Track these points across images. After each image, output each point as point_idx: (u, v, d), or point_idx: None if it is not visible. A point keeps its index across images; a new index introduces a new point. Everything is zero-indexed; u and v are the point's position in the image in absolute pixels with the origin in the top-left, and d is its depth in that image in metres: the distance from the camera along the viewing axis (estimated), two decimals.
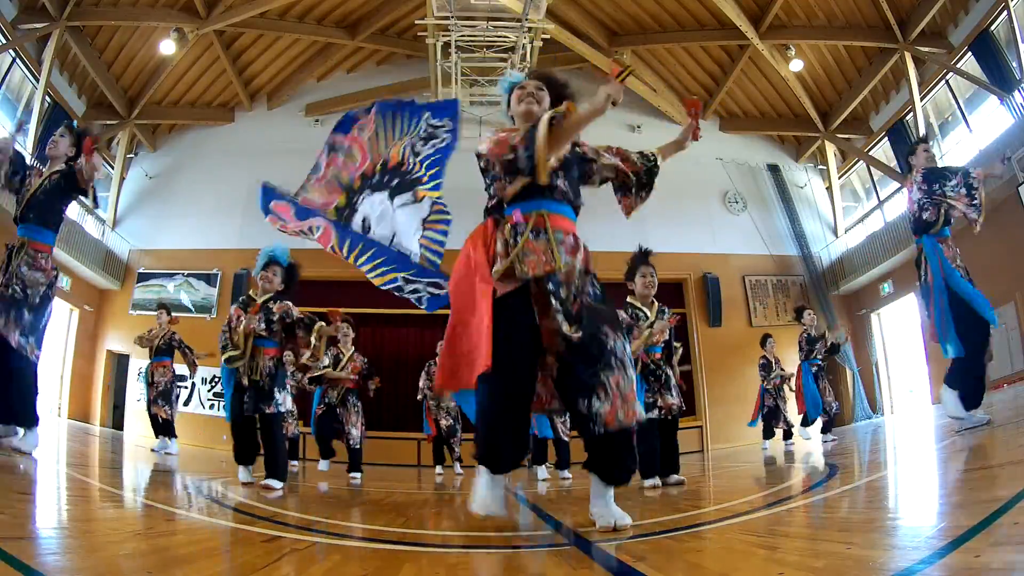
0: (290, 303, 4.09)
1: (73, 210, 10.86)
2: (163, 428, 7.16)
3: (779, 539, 1.68)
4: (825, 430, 7.39)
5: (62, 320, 10.59)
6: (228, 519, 2.42)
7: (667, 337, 3.99)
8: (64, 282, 10.20)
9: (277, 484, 3.68)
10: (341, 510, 3.03)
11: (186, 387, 10.56)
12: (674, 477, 3.82)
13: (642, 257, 3.88)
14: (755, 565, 1.38)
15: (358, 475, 5.91)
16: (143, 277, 11.32)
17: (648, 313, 3.91)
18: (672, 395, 3.91)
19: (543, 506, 3.18)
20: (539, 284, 1.96)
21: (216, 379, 10.64)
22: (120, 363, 11.26)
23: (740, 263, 12.02)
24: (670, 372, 3.99)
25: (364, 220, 3.89)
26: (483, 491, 1.96)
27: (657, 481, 3.69)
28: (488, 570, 1.48)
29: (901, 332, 11.28)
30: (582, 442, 1.98)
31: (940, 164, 4.30)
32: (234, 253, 11.17)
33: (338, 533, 2.13)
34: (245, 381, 3.89)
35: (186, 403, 10.37)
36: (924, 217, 4.00)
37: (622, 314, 3.84)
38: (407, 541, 1.97)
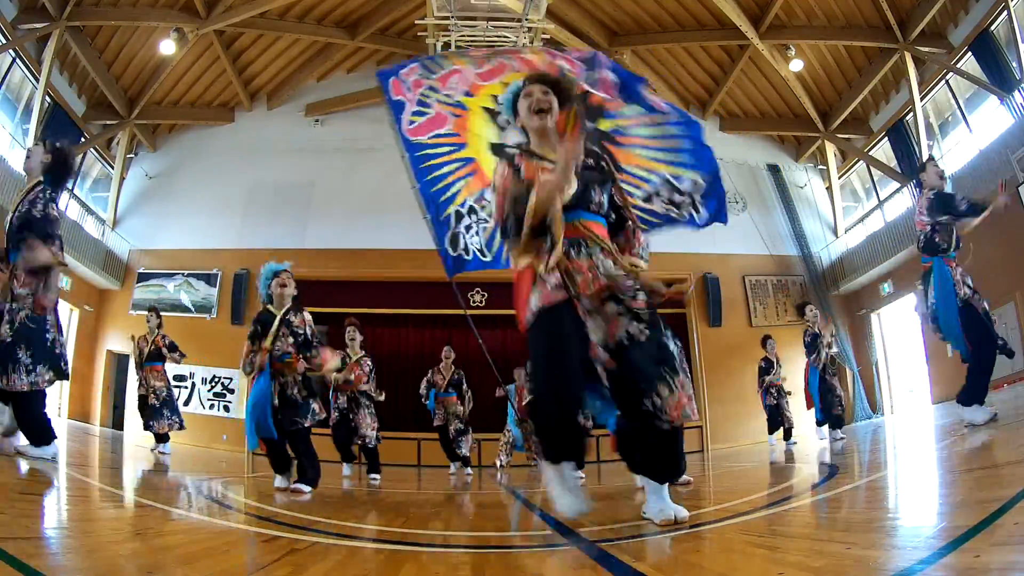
0: (307, 314, 4.02)
1: (73, 210, 10.87)
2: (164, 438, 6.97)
3: (779, 539, 1.68)
4: (835, 426, 7.38)
5: (62, 320, 10.59)
6: (228, 519, 2.42)
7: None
8: (64, 282, 10.20)
9: (307, 488, 3.65)
10: (341, 510, 3.03)
11: (186, 387, 10.58)
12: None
13: None
14: (755, 565, 1.38)
15: (377, 476, 5.97)
16: (143, 277, 11.32)
17: None
18: None
19: (543, 506, 3.18)
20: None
21: (216, 379, 10.65)
22: (120, 363, 11.25)
23: (740, 263, 12.02)
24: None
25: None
26: (559, 489, 1.93)
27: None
28: (488, 570, 1.48)
29: (901, 332, 11.27)
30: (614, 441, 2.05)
31: (946, 175, 4.46)
32: (234, 253, 11.17)
33: (338, 533, 2.13)
34: (276, 401, 3.80)
35: (186, 403, 10.38)
36: (936, 240, 4.21)
37: None
38: (407, 541, 1.97)
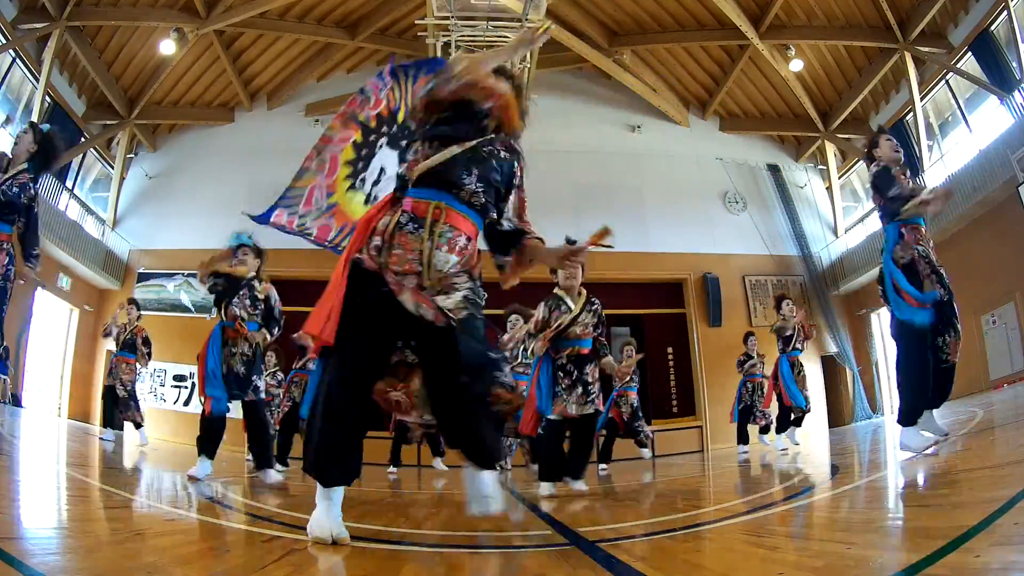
0: (271, 286, 4.07)
1: (73, 210, 10.87)
2: (138, 426, 7.38)
3: (779, 539, 1.68)
4: (792, 425, 7.00)
5: (62, 320, 10.60)
6: (228, 519, 2.42)
7: (595, 333, 3.90)
8: (64, 282, 10.19)
9: (277, 474, 3.57)
10: (341, 510, 3.02)
11: (186, 387, 10.57)
12: (575, 484, 3.67)
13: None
14: (755, 565, 1.38)
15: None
16: (143, 277, 11.32)
17: (572, 305, 3.87)
18: (581, 399, 3.74)
19: (543, 506, 3.18)
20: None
21: None
22: None
23: (740, 263, 12.02)
24: (587, 372, 3.83)
25: (382, 170, 4.03)
26: (321, 511, 1.74)
27: (552, 489, 3.55)
28: (488, 570, 1.48)
29: None
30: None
31: (900, 149, 3.74)
32: None
33: None
34: (224, 368, 3.80)
35: (186, 403, 10.38)
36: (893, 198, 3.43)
37: (541, 309, 3.94)
38: (407, 541, 1.97)
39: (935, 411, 3.43)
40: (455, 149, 1.89)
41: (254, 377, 3.86)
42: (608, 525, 2.05)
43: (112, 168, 11.83)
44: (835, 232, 12.61)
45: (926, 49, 9.99)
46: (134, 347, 7.17)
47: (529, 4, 9.03)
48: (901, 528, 1.62)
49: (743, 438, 7.61)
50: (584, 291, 3.95)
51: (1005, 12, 8.73)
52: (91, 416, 10.66)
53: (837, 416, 11.51)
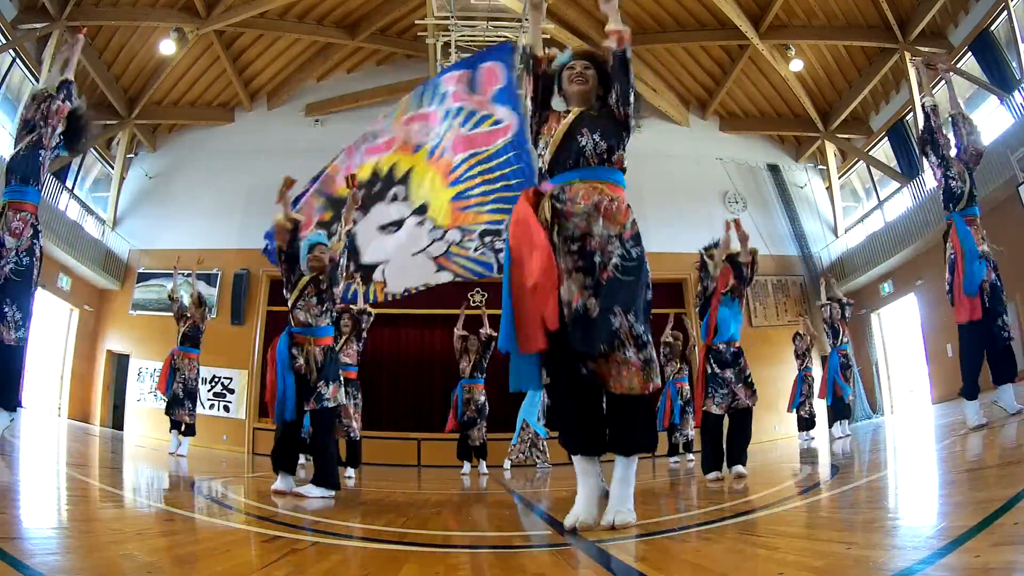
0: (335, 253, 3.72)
1: (73, 210, 10.86)
2: (187, 429, 6.78)
3: (779, 539, 1.68)
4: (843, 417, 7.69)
5: (62, 320, 10.59)
6: (228, 519, 2.42)
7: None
8: (64, 282, 10.19)
9: (318, 491, 3.27)
10: (341, 510, 3.02)
11: None
12: (736, 469, 3.97)
13: None
14: (755, 565, 1.38)
15: (353, 472, 5.68)
16: (143, 277, 11.32)
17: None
18: (742, 388, 4.27)
19: (543, 506, 3.18)
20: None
21: (216, 379, 10.65)
22: (120, 363, 11.25)
23: None
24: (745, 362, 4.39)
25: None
26: (580, 497, 1.93)
27: (719, 474, 3.97)
28: (488, 570, 1.48)
29: (901, 332, 11.27)
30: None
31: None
32: (234, 253, 11.17)
33: (338, 533, 2.13)
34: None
35: None
36: (951, 187, 4.19)
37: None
38: (407, 541, 1.97)
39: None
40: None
41: (321, 383, 3.45)
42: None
43: (112, 168, 11.83)
44: (835, 232, 12.60)
45: (926, 49, 9.98)
46: (197, 341, 6.81)
47: (529, 4, 9.04)
48: (901, 528, 1.62)
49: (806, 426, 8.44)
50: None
51: (1005, 12, 8.73)
52: (91, 416, 10.67)
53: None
